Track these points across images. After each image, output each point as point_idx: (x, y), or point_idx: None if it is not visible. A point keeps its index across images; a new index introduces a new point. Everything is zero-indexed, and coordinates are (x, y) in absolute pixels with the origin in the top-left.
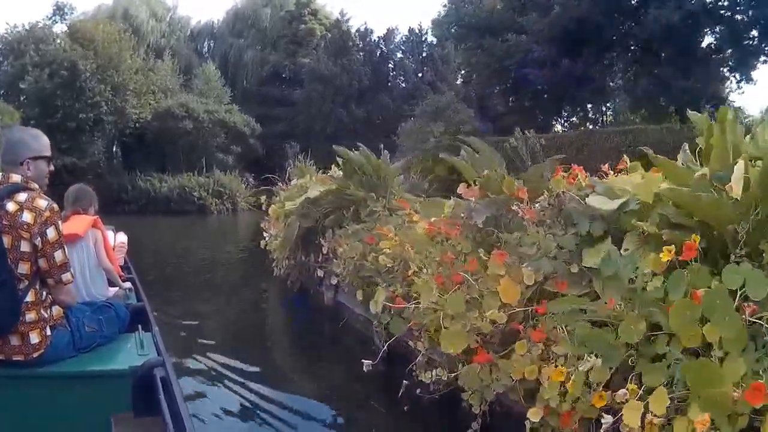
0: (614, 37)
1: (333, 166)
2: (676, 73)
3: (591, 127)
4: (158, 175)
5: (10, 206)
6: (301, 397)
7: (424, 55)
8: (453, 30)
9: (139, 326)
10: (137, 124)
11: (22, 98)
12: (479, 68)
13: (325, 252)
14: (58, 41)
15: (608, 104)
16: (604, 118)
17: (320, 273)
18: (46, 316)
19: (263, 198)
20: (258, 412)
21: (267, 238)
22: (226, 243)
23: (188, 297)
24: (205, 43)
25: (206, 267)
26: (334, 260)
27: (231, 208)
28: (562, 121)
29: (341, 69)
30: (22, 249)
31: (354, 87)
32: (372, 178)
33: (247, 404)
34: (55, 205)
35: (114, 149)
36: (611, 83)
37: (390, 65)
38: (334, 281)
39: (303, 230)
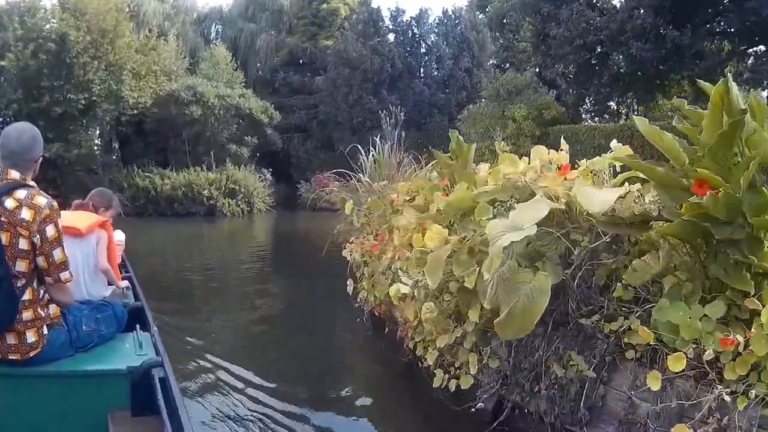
0: (728, 2)
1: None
2: None
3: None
4: (159, 170)
5: (9, 203)
6: None
7: (459, 39)
8: (512, 2)
9: (137, 326)
10: (135, 110)
11: (1, 79)
12: (556, 44)
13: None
14: (45, 12)
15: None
16: (629, 111)
17: None
18: (44, 315)
19: (350, 204)
20: None
21: (390, 288)
22: (263, 265)
23: None
24: (213, 27)
25: (260, 337)
26: None
27: (247, 209)
28: (591, 114)
29: (372, 51)
30: (20, 246)
31: (386, 71)
32: None
33: None
34: (55, 203)
35: (108, 140)
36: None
37: (422, 50)
38: None
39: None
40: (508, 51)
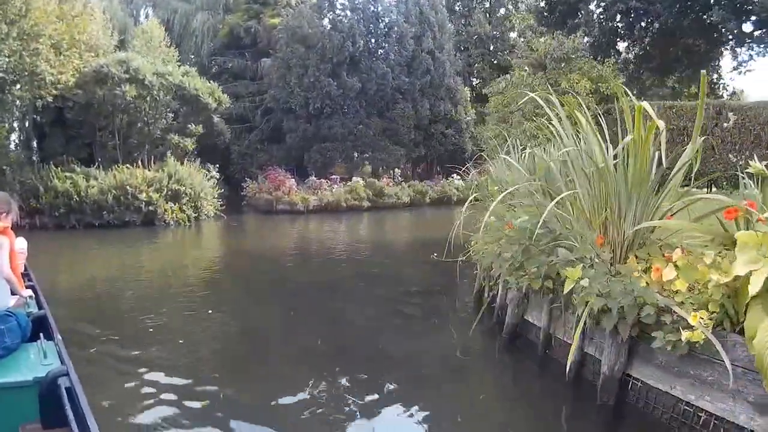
0: None
1: None
2: None
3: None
4: (84, 169)
5: None
6: None
7: (419, 19)
8: None
9: (41, 335)
10: (54, 92)
11: None
12: (585, 10)
13: None
14: None
15: None
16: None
17: None
18: None
19: None
20: None
21: None
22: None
23: None
24: (143, 9)
25: None
26: None
27: (194, 215)
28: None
29: (331, 27)
30: None
31: (346, 50)
32: None
33: None
34: None
35: (21, 132)
36: None
37: (381, 26)
38: None
39: None
40: (459, 36)
